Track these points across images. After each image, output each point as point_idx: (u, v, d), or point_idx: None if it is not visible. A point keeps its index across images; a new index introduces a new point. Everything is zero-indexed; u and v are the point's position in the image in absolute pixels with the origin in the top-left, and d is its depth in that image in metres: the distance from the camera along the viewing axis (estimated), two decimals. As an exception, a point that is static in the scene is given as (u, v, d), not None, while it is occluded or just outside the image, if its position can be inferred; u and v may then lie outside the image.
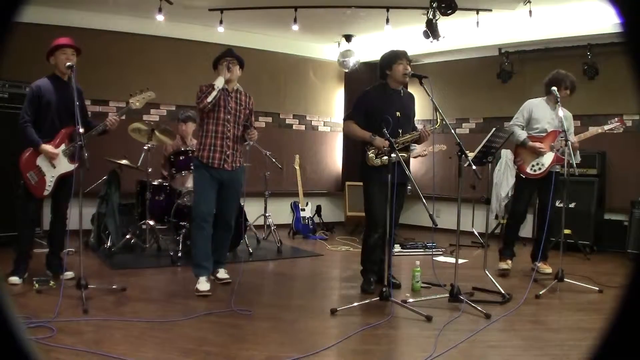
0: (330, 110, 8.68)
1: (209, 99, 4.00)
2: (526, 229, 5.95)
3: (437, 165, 7.05)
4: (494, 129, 4.32)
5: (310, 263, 5.61)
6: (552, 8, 6.01)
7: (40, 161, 4.02)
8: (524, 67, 7.13)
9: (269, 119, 8.09)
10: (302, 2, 6.22)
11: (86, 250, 5.41)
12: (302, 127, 8.44)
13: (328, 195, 8.49)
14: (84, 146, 3.58)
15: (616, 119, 4.77)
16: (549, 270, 4.86)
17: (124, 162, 5.44)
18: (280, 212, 7.45)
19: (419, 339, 3.14)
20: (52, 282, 3.99)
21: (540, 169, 4.80)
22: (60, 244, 4.26)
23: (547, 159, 4.77)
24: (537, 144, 4.76)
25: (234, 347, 2.92)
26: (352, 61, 7.90)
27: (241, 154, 4.26)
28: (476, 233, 6.71)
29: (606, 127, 4.75)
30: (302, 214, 7.14)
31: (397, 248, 5.90)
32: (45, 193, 4.08)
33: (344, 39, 7.90)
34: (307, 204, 7.23)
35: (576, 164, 4.35)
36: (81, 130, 3.58)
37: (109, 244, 5.39)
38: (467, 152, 3.78)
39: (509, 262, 4.98)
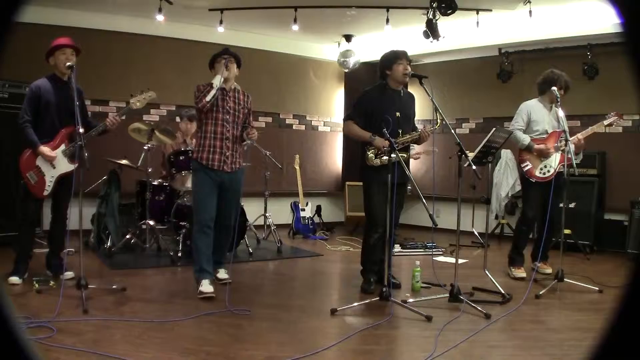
0: (330, 110, 8.68)
1: (208, 98, 3.94)
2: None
3: (437, 165, 7.08)
4: (494, 129, 4.30)
5: (310, 263, 5.61)
6: (552, 8, 6.01)
7: (40, 161, 4.01)
8: (524, 67, 7.13)
9: (269, 119, 8.09)
10: (302, 2, 6.22)
11: (86, 250, 5.40)
12: (302, 127, 8.44)
13: (328, 195, 8.49)
14: (84, 146, 3.58)
15: (613, 113, 4.74)
16: (549, 270, 4.85)
17: (124, 162, 5.44)
18: (280, 212, 7.45)
19: (419, 339, 3.14)
20: (52, 282, 3.99)
21: (549, 171, 4.69)
22: (60, 244, 4.26)
23: (555, 160, 4.70)
24: (544, 147, 4.67)
25: (234, 347, 2.92)
26: (352, 61, 7.90)
27: (240, 155, 4.22)
28: (476, 233, 6.71)
29: (605, 122, 4.70)
30: (302, 214, 7.14)
31: (397, 248, 5.90)
32: (45, 193, 4.07)
33: (344, 39, 7.90)
34: (307, 204, 7.23)
35: (576, 163, 4.34)
36: (81, 130, 3.58)
37: (109, 244, 5.39)
38: (467, 152, 3.78)
39: (523, 268, 4.83)
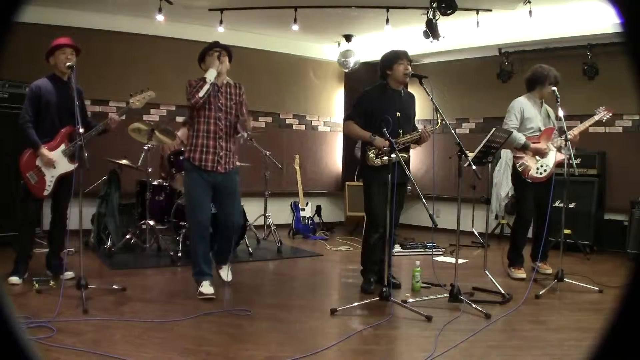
0: (330, 110, 8.68)
1: (201, 94, 3.81)
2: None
3: (437, 165, 7.08)
4: (493, 129, 4.27)
5: (310, 263, 5.61)
6: (552, 8, 6.01)
7: (40, 161, 4.02)
8: (524, 67, 7.10)
9: (269, 119, 8.09)
10: (302, 2, 6.22)
11: (86, 250, 5.40)
12: (302, 127, 8.44)
13: (328, 195, 8.49)
14: (84, 146, 3.58)
15: (602, 107, 4.67)
16: (549, 270, 4.84)
17: (124, 162, 5.44)
18: (280, 212, 7.45)
19: (419, 339, 3.14)
20: (52, 282, 3.99)
21: (545, 170, 4.60)
22: (60, 244, 4.26)
23: (551, 159, 4.62)
24: (540, 145, 4.58)
25: (234, 347, 2.92)
26: (352, 61, 7.90)
27: (235, 154, 4.08)
28: (476, 233, 6.71)
29: (596, 117, 4.64)
30: (302, 214, 7.14)
31: (397, 248, 5.90)
32: (45, 193, 4.07)
33: (344, 39, 7.90)
34: (307, 204, 7.23)
35: (576, 163, 4.31)
36: (81, 130, 3.58)
37: (109, 244, 5.39)
38: (467, 152, 3.78)
39: (522, 269, 4.80)
